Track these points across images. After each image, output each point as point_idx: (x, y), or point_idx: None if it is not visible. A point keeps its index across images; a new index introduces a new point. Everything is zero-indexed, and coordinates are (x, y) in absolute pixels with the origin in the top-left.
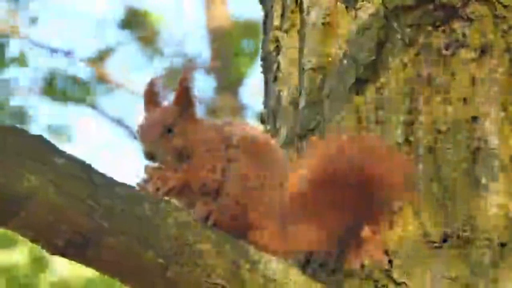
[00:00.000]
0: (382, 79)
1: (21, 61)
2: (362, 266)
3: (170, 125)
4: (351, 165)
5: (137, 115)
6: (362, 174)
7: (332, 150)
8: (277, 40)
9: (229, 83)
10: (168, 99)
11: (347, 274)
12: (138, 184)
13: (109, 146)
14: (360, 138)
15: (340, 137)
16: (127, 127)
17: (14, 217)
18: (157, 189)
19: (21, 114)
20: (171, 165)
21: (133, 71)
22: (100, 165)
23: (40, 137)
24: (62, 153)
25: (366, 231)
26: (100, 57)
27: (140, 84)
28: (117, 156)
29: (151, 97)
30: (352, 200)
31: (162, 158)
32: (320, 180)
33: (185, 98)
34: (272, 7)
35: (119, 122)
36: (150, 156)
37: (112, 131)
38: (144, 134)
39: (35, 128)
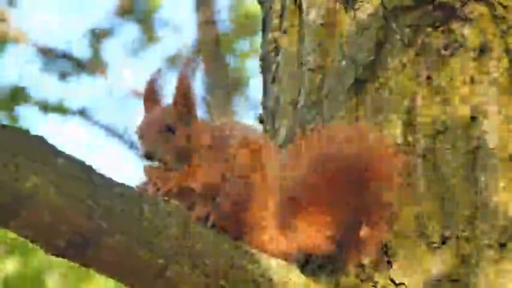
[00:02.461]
0: (381, 80)
1: None
2: (361, 266)
3: (170, 124)
4: (348, 162)
5: (129, 121)
6: (360, 171)
7: (329, 148)
8: (276, 40)
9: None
10: (167, 98)
11: (346, 274)
12: (137, 186)
13: (100, 154)
14: (358, 135)
15: (337, 134)
16: (116, 133)
17: (16, 218)
18: (157, 189)
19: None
20: (170, 165)
21: (130, 56)
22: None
23: (40, 137)
24: (61, 154)
25: (365, 231)
26: (98, 37)
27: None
28: (108, 164)
29: (150, 95)
30: (351, 198)
31: (161, 158)
32: (318, 178)
33: (184, 97)
34: (271, 7)
35: (108, 129)
36: (149, 155)
37: (103, 138)
38: (143, 133)
39: None
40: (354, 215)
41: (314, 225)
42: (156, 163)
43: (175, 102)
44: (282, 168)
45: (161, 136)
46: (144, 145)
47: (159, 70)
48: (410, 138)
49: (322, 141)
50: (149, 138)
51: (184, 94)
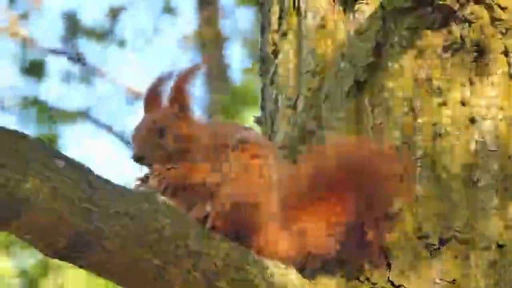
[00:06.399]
0: (380, 81)
1: None
2: (361, 268)
3: (162, 126)
4: (350, 165)
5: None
6: (362, 174)
7: (332, 152)
8: (274, 43)
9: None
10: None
11: (345, 276)
12: (138, 177)
13: (102, 155)
14: (360, 139)
15: (339, 139)
16: (116, 133)
17: (16, 220)
18: (159, 182)
19: None
20: (160, 168)
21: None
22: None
23: (40, 140)
24: (61, 156)
25: (368, 234)
26: (112, 15)
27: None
28: (110, 165)
29: (150, 100)
30: (352, 201)
31: (151, 162)
32: (320, 181)
33: (180, 98)
34: (269, 10)
35: (110, 129)
36: (138, 159)
37: (105, 139)
38: (135, 137)
39: None
40: (355, 217)
41: (316, 227)
42: (145, 166)
43: (171, 102)
44: (280, 169)
45: (152, 140)
46: (135, 148)
47: (161, 76)
48: (409, 140)
49: (323, 146)
50: (139, 142)
51: (180, 92)
